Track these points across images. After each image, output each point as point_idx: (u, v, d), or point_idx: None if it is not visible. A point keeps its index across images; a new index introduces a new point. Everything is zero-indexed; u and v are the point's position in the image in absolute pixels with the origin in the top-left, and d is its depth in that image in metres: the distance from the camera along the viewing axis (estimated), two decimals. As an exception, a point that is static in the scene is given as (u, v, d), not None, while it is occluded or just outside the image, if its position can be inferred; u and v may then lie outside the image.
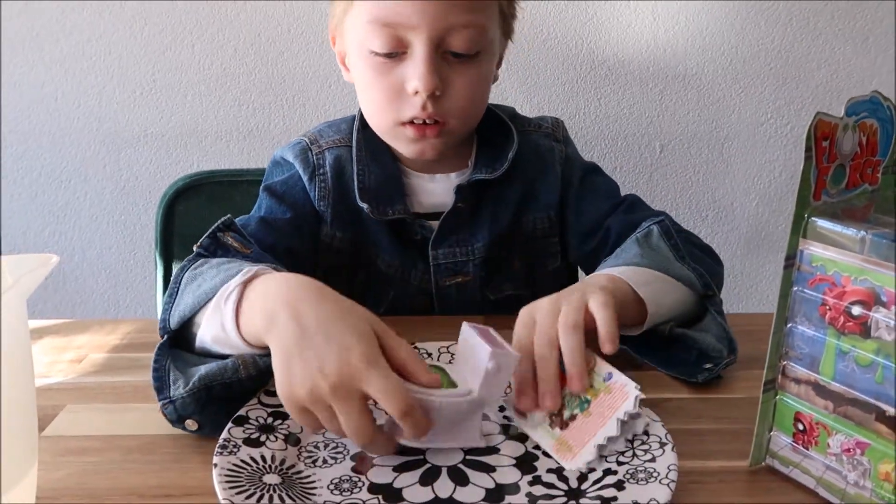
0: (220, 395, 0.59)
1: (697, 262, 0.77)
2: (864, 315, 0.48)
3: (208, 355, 0.64)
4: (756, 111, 1.53)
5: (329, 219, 0.87)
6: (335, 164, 0.86)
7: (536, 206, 0.91)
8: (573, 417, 0.57)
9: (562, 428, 0.57)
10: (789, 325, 0.53)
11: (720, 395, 0.66)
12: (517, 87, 1.50)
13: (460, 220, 0.88)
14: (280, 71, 1.50)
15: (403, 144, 0.84)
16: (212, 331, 0.62)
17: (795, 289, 0.52)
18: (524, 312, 0.63)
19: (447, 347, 0.69)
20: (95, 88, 1.51)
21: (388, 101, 0.80)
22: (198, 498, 0.53)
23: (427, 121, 0.80)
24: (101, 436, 0.61)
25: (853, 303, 0.48)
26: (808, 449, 0.53)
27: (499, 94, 1.54)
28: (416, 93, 0.77)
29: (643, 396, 0.55)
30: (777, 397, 0.54)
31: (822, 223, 0.50)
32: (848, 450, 0.50)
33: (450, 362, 0.67)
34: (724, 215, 1.59)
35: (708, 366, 0.67)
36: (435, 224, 0.87)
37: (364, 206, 0.84)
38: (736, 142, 1.55)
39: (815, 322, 0.51)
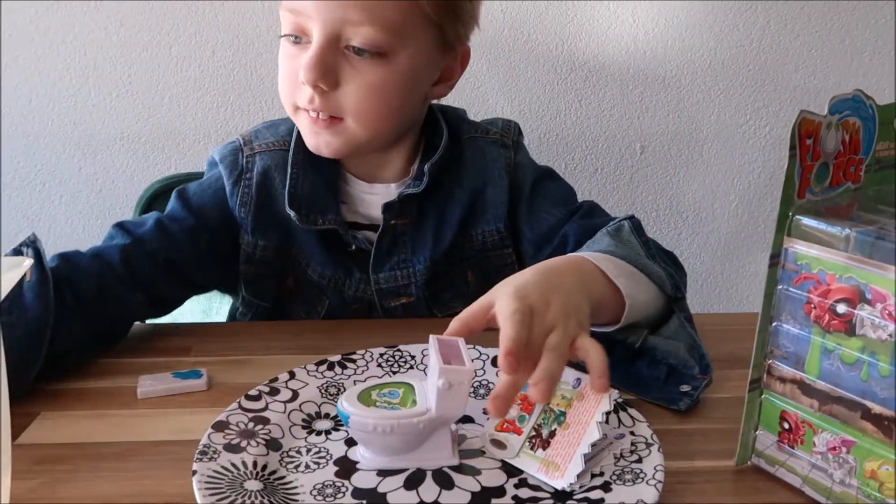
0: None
1: (664, 263, 0.75)
2: (850, 313, 0.48)
3: None
4: (735, 112, 1.54)
5: (249, 227, 0.84)
6: (263, 171, 0.84)
7: (484, 220, 0.86)
8: (552, 434, 0.55)
9: (544, 448, 0.55)
10: (774, 324, 0.53)
11: (706, 395, 0.65)
12: (498, 89, 1.50)
13: (398, 238, 0.85)
14: (258, 72, 1.48)
15: (305, 135, 0.81)
16: None
17: (780, 287, 0.52)
18: (522, 310, 0.55)
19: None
20: (70, 90, 1.48)
21: (287, 86, 0.79)
22: (177, 506, 0.52)
23: (319, 115, 0.77)
24: (76, 443, 0.59)
25: (838, 301, 0.48)
26: (793, 448, 0.53)
27: (480, 96, 1.54)
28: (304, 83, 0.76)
29: (617, 393, 0.54)
30: (762, 396, 0.54)
31: (807, 221, 0.50)
32: (834, 448, 0.50)
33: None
34: (705, 216, 1.60)
35: (686, 389, 0.64)
36: (373, 236, 0.84)
37: (292, 213, 0.81)
38: (716, 143, 1.56)
39: (800, 320, 0.51)
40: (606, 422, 0.54)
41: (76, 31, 1.45)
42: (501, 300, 0.56)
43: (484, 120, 0.92)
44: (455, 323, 0.57)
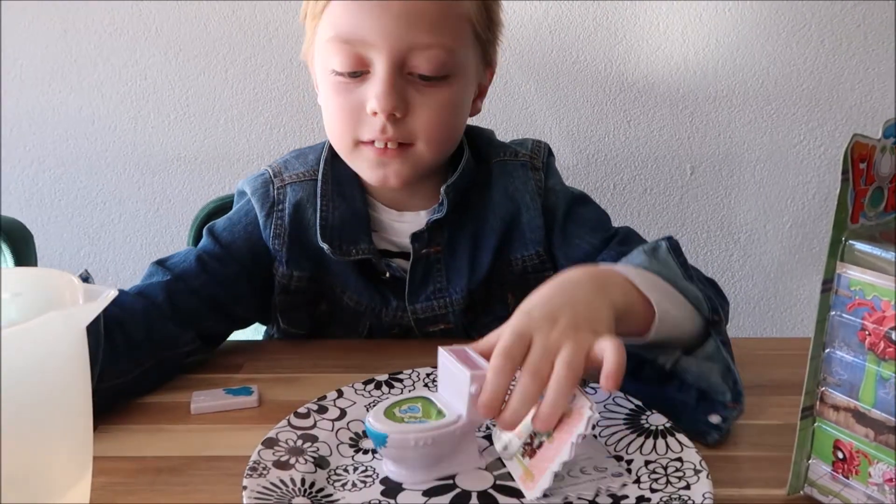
0: None
1: (703, 285, 0.72)
2: (906, 340, 0.47)
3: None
4: (788, 133, 1.52)
5: (284, 258, 0.83)
6: (295, 202, 0.83)
7: (523, 244, 0.84)
8: (540, 445, 0.55)
9: (531, 457, 0.55)
10: (827, 351, 0.51)
11: (756, 421, 0.64)
12: (546, 110, 1.50)
13: (431, 267, 0.84)
14: (311, 95, 1.51)
15: (365, 169, 0.79)
16: None
17: (833, 313, 0.51)
18: (521, 323, 0.55)
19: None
20: (131, 113, 1.54)
21: (347, 120, 0.76)
22: (227, 520, 0.53)
23: (388, 144, 0.75)
24: (131, 457, 0.61)
25: (894, 328, 0.47)
26: (848, 478, 0.51)
27: (528, 117, 1.55)
28: (375, 114, 0.74)
29: (597, 418, 0.52)
30: (815, 424, 0.53)
31: (861, 246, 0.49)
32: (890, 479, 0.49)
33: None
34: (757, 238, 1.57)
35: (716, 420, 0.61)
36: (406, 263, 0.83)
37: (325, 245, 0.80)
38: (768, 163, 1.53)
39: (854, 347, 0.50)
40: (580, 443, 0.52)
41: (137, 57, 1.51)
42: (505, 325, 0.56)
43: (513, 141, 0.91)
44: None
